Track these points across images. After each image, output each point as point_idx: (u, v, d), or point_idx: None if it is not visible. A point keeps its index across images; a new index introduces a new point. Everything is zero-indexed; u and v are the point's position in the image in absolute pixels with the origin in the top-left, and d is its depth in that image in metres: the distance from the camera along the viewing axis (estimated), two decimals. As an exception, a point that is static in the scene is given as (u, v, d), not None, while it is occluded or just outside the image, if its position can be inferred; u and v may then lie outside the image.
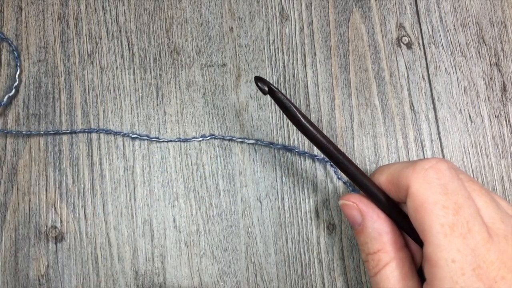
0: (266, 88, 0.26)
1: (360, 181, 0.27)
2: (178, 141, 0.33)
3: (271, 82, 0.34)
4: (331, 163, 0.32)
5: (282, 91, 0.34)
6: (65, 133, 0.33)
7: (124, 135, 0.33)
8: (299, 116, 0.26)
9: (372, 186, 0.27)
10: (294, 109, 0.26)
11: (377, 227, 0.26)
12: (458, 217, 0.23)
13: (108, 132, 0.33)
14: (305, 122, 0.26)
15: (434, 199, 0.24)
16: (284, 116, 0.34)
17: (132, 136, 0.33)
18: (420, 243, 0.26)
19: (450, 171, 0.25)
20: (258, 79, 0.26)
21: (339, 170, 0.32)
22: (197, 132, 0.34)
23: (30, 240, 0.32)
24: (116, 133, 0.33)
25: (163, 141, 0.33)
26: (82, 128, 0.33)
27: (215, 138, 0.33)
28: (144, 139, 0.33)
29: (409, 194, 0.25)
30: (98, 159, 0.33)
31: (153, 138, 0.33)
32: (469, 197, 0.24)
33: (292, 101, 0.34)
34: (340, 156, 0.27)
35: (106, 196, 0.33)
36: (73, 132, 0.33)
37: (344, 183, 0.33)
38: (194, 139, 0.33)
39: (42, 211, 0.32)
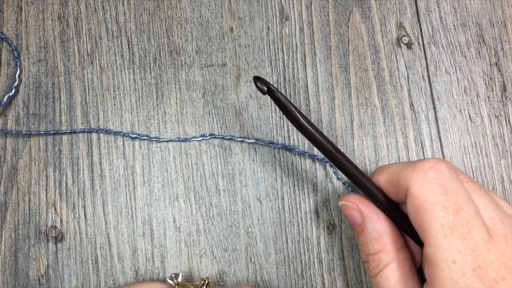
0: (265, 88, 0.25)
1: (359, 181, 0.27)
2: (178, 141, 0.33)
3: (271, 82, 0.34)
4: (331, 163, 0.32)
5: (282, 91, 0.34)
6: (65, 133, 0.33)
7: (124, 135, 0.33)
8: (299, 116, 0.26)
9: (372, 187, 0.27)
10: (293, 109, 0.26)
11: (378, 228, 0.26)
12: (458, 218, 0.23)
13: (108, 132, 0.33)
14: (304, 122, 0.26)
15: (434, 199, 0.24)
16: (284, 116, 0.34)
17: (132, 136, 0.33)
18: (420, 243, 0.26)
19: (449, 172, 0.24)
20: (257, 79, 0.26)
21: (338, 170, 0.32)
22: (197, 132, 0.34)
23: (30, 240, 0.32)
24: (116, 133, 0.33)
25: (163, 141, 0.33)
26: (82, 128, 0.33)
27: (215, 138, 0.33)
28: (144, 139, 0.33)
29: (409, 195, 0.24)
30: (98, 159, 0.33)
31: (153, 138, 0.33)
32: (469, 197, 0.24)
33: (292, 101, 0.34)
34: (339, 156, 0.26)
35: (106, 196, 0.33)
36: (73, 132, 0.33)
37: (344, 183, 0.33)
38: (194, 139, 0.33)
39: (42, 211, 0.32)
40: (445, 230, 0.23)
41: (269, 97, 0.34)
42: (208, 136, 0.33)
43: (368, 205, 0.27)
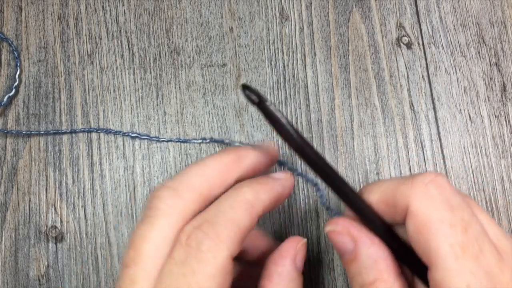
0: (257, 99, 0.22)
1: (354, 202, 0.24)
2: (178, 141, 0.33)
3: (270, 82, 0.34)
4: (318, 187, 0.31)
5: (282, 91, 0.34)
6: (65, 133, 0.33)
7: (124, 134, 0.33)
8: (296, 134, 0.22)
9: (367, 208, 0.24)
10: (290, 126, 0.22)
11: (372, 253, 0.23)
12: (467, 236, 0.21)
13: (108, 131, 0.33)
14: (302, 142, 0.22)
15: (439, 216, 0.21)
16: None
17: (132, 135, 0.33)
18: (418, 270, 0.23)
19: (450, 185, 0.22)
20: (246, 88, 0.22)
21: (325, 195, 0.30)
22: (197, 132, 0.34)
23: (30, 240, 0.32)
24: (116, 132, 0.33)
25: (163, 140, 0.33)
26: (82, 128, 0.33)
27: (215, 142, 0.33)
28: (144, 139, 0.33)
29: (410, 213, 0.22)
30: (98, 159, 0.33)
31: (153, 137, 0.33)
32: (473, 213, 0.22)
33: (292, 101, 0.34)
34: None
35: (106, 196, 0.33)
36: (73, 131, 0.33)
37: (327, 209, 0.31)
38: (194, 141, 0.33)
39: (42, 211, 0.32)
40: (456, 251, 0.21)
41: (268, 97, 0.34)
42: (208, 140, 0.33)
43: (360, 229, 0.24)
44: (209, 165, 0.24)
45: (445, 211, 0.21)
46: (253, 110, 0.34)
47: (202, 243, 0.21)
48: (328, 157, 0.33)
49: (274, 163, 0.27)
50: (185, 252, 0.21)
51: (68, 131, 0.33)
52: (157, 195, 0.23)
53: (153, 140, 0.33)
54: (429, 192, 0.22)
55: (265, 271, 0.25)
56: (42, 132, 0.33)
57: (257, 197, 0.23)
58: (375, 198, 0.24)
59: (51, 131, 0.33)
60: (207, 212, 0.23)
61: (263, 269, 0.25)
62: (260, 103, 0.22)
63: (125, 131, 0.33)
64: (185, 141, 0.33)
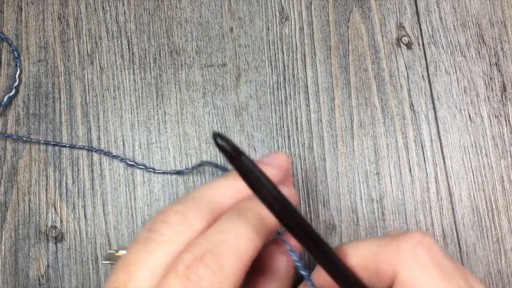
0: (233, 152, 0.18)
1: (340, 270, 0.20)
2: (172, 173, 0.32)
3: (270, 82, 0.34)
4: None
5: (282, 91, 0.34)
6: (64, 146, 0.33)
7: (122, 160, 0.33)
8: (278, 195, 0.19)
9: (352, 275, 0.20)
10: (270, 185, 0.19)
11: None
12: None
13: (107, 154, 0.33)
14: (285, 204, 0.19)
15: (434, 286, 0.19)
16: (284, 115, 0.34)
17: (129, 163, 0.32)
18: None
19: (439, 246, 0.20)
20: (219, 136, 0.18)
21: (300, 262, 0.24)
22: (197, 132, 0.34)
23: (30, 240, 0.32)
24: (114, 156, 0.32)
25: (158, 172, 0.32)
26: (82, 145, 0.33)
27: (204, 166, 0.32)
28: (141, 168, 0.32)
29: (399, 283, 0.19)
30: (98, 159, 0.33)
31: (149, 168, 0.32)
32: (466, 277, 0.20)
33: (292, 101, 0.34)
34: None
35: (106, 196, 0.33)
36: (72, 146, 0.33)
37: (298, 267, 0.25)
38: (186, 170, 0.32)
39: (42, 211, 0.32)
40: None
41: (268, 97, 0.34)
42: (200, 163, 0.32)
43: None
44: (220, 191, 0.22)
45: (440, 279, 0.19)
46: (253, 110, 0.34)
47: (203, 278, 0.19)
48: (328, 157, 0.33)
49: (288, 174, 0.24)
50: (181, 284, 0.19)
51: (67, 145, 0.33)
52: (164, 219, 0.20)
53: (150, 170, 0.33)
54: (419, 257, 0.19)
55: (259, 263, 0.23)
56: (42, 142, 0.33)
57: (263, 223, 0.21)
58: (351, 263, 0.21)
59: (51, 142, 0.33)
60: (208, 237, 0.20)
61: (256, 260, 0.22)
62: (237, 157, 0.18)
63: (123, 157, 0.33)
64: (179, 172, 0.32)
